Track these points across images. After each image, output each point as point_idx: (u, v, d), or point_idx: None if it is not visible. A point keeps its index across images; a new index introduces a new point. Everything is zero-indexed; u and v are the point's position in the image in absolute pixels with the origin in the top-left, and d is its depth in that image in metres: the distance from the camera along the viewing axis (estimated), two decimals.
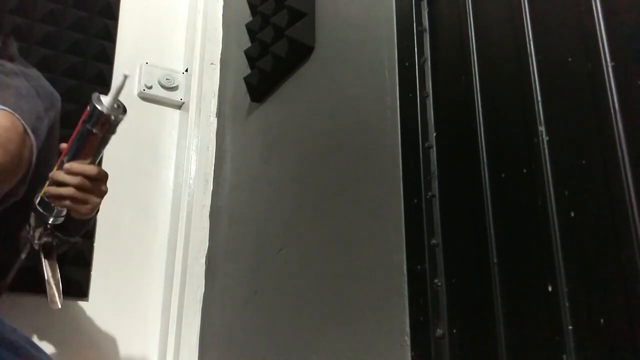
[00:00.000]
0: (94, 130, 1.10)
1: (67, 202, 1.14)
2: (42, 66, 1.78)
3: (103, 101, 1.09)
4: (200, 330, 1.66)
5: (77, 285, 1.67)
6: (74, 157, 1.12)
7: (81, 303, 1.68)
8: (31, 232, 1.23)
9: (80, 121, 1.11)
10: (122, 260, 1.76)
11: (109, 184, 1.18)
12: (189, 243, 1.72)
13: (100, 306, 1.70)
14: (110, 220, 1.76)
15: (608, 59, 0.77)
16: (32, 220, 1.23)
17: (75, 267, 1.68)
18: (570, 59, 0.82)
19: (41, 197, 1.16)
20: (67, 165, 1.12)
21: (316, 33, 1.44)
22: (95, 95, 1.10)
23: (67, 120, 1.77)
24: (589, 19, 0.80)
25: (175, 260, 1.74)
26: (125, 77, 1.07)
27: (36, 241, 1.23)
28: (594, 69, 0.78)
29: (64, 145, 1.14)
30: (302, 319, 1.27)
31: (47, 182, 1.15)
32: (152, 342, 1.74)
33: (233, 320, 1.54)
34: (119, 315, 1.72)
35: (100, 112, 1.09)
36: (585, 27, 0.80)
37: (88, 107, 1.10)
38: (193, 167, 1.82)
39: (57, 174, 1.13)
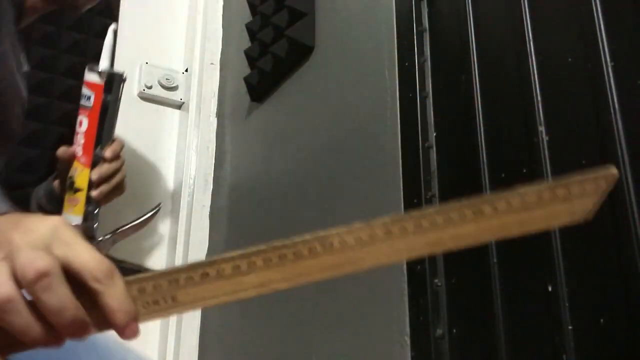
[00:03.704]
0: (115, 98, 1.01)
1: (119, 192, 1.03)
2: (42, 66, 1.78)
3: (104, 66, 1.02)
4: (200, 330, 1.66)
5: None
6: (106, 141, 1.01)
7: None
8: None
9: (98, 103, 1.00)
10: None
11: None
12: (189, 243, 1.72)
13: None
14: (110, 220, 1.76)
15: (608, 59, 0.77)
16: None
17: None
18: (570, 59, 0.82)
19: (88, 211, 1.00)
20: (108, 153, 1.01)
21: (316, 33, 1.44)
22: (90, 67, 1.01)
23: (67, 120, 1.77)
24: (589, 19, 0.80)
25: (175, 260, 1.74)
26: (115, 31, 1.01)
27: None
28: (594, 69, 0.78)
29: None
30: (302, 319, 1.27)
31: (78, 189, 0.98)
32: (152, 342, 1.74)
33: (233, 320, 1.54)
34: None
35: (119, 75, 1.00)
36: (585, 27, 0.80)
37: (96, 80, 1.00)
38: (193, 167, 1.81)
39: (102, 170, 1.00)
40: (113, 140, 1.03)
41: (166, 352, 1.66)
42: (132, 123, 1.89)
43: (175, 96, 1.95)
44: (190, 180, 1.80)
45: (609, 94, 0.76)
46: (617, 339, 0.70)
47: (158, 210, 1.16)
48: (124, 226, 1.10)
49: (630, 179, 0.71)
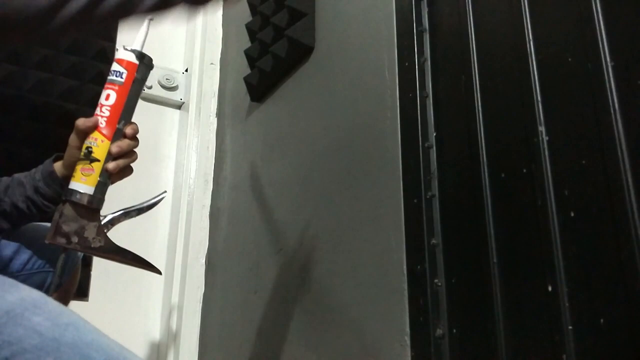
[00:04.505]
0: (143, 79, 1.04)
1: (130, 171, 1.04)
2: (42, 66, 1.78)
3: (136, 48, 1.05)
4: (200, 330, 1.66)
5: (77, 285, 1.67)
6: (127, 120, 1.03)
7: (81, 303, 1.68)
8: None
9: (130, 80, 1.02)
10: None
11: None
12: (189, 243, 1.72)
13: (100, 306, 1.70)
14: None
15: (608, 59, 0.77)
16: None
17: None
18: (570, 59, 0.82)
19: (99, 183, 0.99)
20: (129, 130, 1.02)
21: (316, 33, 1.44)
22: (123, 48, 1.03)
23: (68, 120, 1.77)
24: (589, 19, 0.80)
25: (175, 260, 1.74)
26: (150, 20, 1.03)
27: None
28: (594, 69, 0.78)
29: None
30: (302, 319, 1.27)
31: (95, 159, 0.99)
32: (152, 342, 1.74)
33: (233, 320, 1.54)
34: (119, 315, 1.72)
35: (150, 59, 1.03)
36: (585, 27, 0.80)
37: (132, 59, 1.02)
38: (193, 167, 1.82)
39: (123, 145, 1.01)
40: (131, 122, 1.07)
41: (166, 352, 1.66)
42: None
43: (175, 96, 1.95)
44: (190, 180, 1.80)
45: (609, 94, 0.76)
46: (617, 339, 0.70)
47: (163, 197, 1.17)
48: (128, 208, 1.12)
49: (630, 179, 0.71)
